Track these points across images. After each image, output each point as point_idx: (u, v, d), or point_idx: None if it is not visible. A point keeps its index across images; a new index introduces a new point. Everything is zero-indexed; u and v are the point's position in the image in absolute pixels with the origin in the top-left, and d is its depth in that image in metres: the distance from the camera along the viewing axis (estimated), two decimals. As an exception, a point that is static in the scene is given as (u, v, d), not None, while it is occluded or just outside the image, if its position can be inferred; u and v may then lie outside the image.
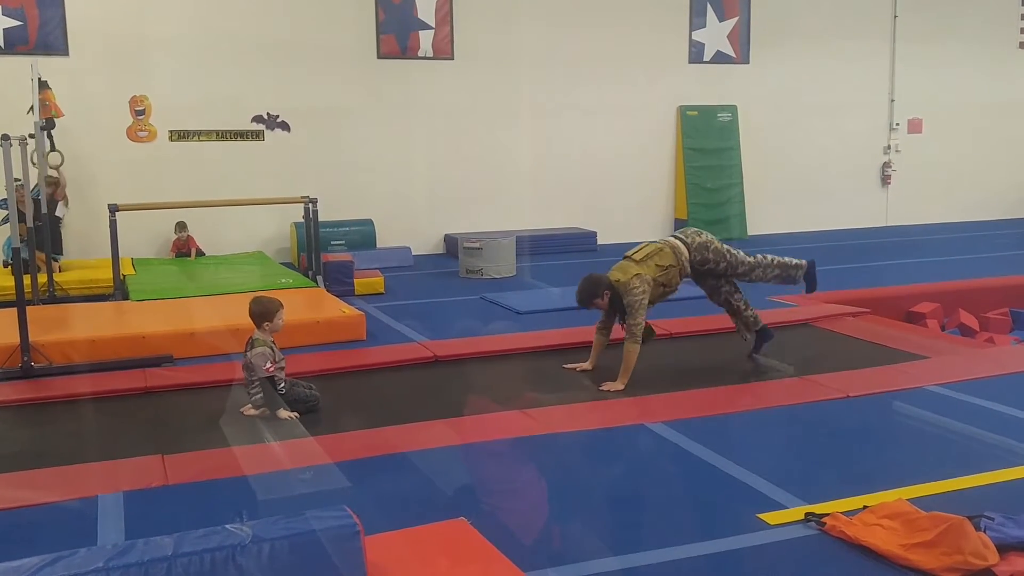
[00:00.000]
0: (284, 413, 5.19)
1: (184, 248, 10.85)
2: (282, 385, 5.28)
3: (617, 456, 4.72)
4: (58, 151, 9.24)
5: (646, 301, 5.92)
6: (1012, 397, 5.48)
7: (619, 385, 5.78)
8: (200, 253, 10.84)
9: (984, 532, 3.44)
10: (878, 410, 5.35)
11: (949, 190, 15.03)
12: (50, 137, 9.04)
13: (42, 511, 4.01)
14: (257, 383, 5.26)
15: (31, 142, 8.57)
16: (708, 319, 7.69)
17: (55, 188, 9.59)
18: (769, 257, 6.61)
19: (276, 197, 10.16)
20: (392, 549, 3.46)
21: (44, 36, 10.37)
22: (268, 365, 5.21)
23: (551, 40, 12.38)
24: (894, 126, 14.71)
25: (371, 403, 5.65)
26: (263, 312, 5.35)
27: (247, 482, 4.28)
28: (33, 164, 8.83)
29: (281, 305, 5.46)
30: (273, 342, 5.37)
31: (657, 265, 6.08)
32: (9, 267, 8.50)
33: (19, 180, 8.87)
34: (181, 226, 10.83)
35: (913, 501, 3.82)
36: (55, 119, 8.95)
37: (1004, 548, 3.40)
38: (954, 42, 14.60)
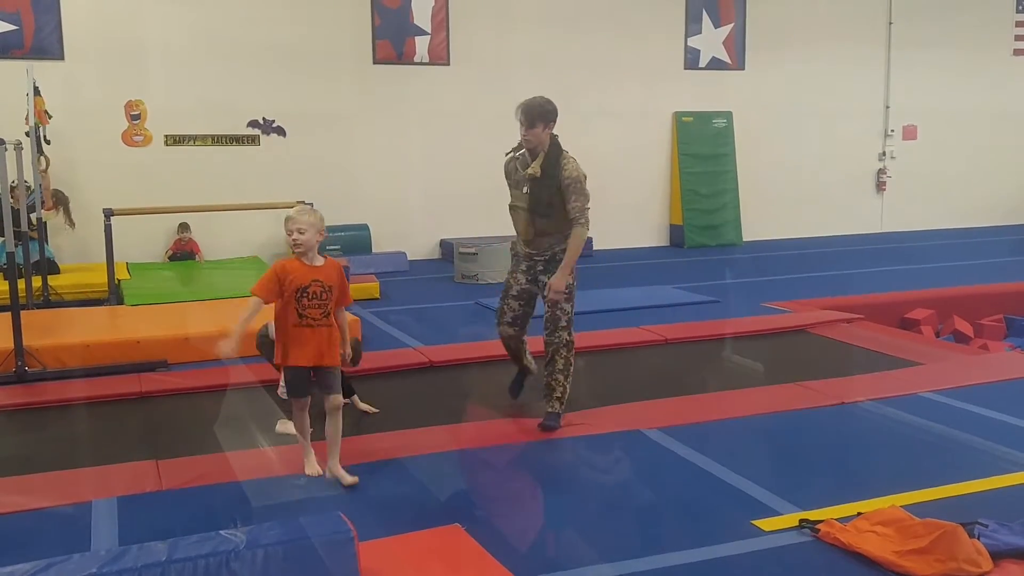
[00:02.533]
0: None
1: (186, 248, 10.85)
2: None
3: (612, 462, 4.72)
4: (44, 155, 9.22)
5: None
6: (1006, 404, 5.49)
7: (562, 283, 5.08)
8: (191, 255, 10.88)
9: (978, 539, 3.45)
10: (872, 416, 5.35)
11: (944, 197, 15.07)
12: (45, 142, 9.03)
13: (35, 516, 4.00)
14: None
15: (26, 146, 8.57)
16: (702, 325, 7.71)
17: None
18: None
19: (271, 202, 10.13)
20: (386, 555, 3.46)
21: (40, 40, 10.36)
22: None
23: (547, 46, 12.40)
24: (889, 133, 14.75)
25: (366, 408, 5.64)
26: None
27: (241, 488, 4.27)
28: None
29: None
30: None
31: None
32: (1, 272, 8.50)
33: (27, 182, 8.87)
34: (184, 227, 10.84)
35: (907, 508, 3.82)
36: (40, 126, 8.93)
37: (998, 555, 3.41)
38: (949, 49, 14.65)
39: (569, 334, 5.16)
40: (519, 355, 5.60)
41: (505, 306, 5.37)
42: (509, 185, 5.32)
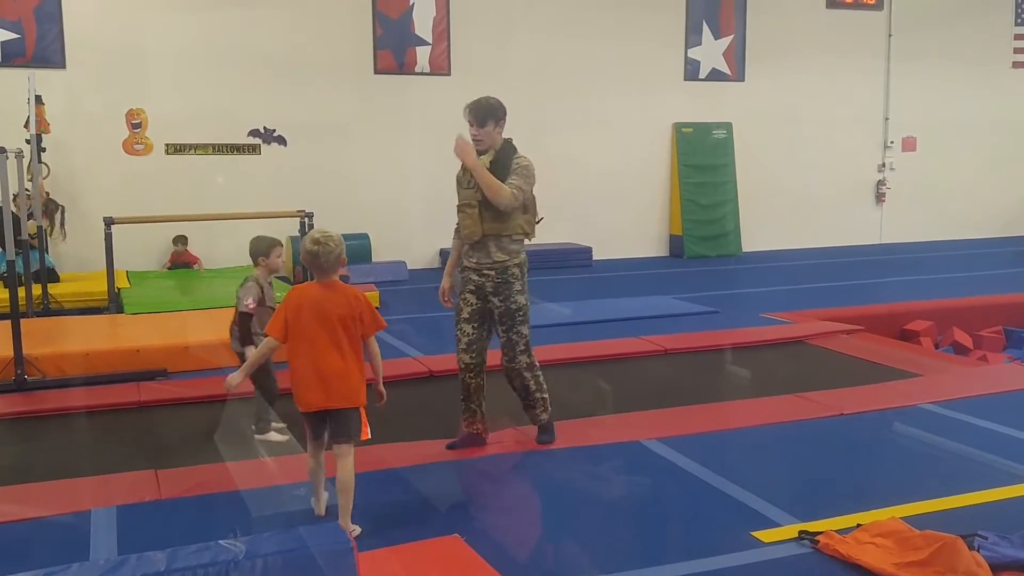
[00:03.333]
0: (250, 350, 4.81)
1: (182, 260, 10.86)
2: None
3: (611, 473, 4.71)
4: (44, 163, 9.24)
5: (532, 183, 4.90)
6: (1006, 415, 5.49)
7: (465, 153, 4.79)
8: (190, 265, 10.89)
9: (977, 551, 3.45)
10: (872, 428, 5.35)
11: (943, 208, 15.09)
12: (41, 149, 9.05)
13: (34, 525, 4.00)
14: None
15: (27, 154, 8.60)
16: (701, 336, 7.71)
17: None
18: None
19: (272, 211, 10.16)
20: (386, 566, 3.45)
21: (42, 49, 10.39)
22: (249, 301, 5.01)
23: (547, 57, 12.44)
24: (888, 144, 14.78)
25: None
26: (257, 248, 5.21)
27: (241, 497, 4.27)
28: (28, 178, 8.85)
29: (279, 243, 5.33)
30: (269, 282, 5.23)
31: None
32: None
33: (27, 190, 8.89)
34: (181, 239, 10.85)
35: (907, 519, 3.82)
36: (41, 134, 8.95)
37: (997, 567, 3.40)
38: (948, 61, 14.69)
39: (529, 356, 4.97)
40: (476, 398, 4.98)
41: (459, 331, 4.97)
42: (458, 190, 4.96)
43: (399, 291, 10.32)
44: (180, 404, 5.91)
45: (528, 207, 4.99)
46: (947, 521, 3.86)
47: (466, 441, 4.99)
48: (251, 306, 5.04)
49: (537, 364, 5.02)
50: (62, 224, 10.04)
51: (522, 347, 4.93)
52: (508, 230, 4.86)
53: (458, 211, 4.96)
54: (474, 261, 4.91)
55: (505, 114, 4.96)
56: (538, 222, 5.13)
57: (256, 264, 5.26)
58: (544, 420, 5.07)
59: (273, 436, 5.15)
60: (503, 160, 4.83)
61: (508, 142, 4.94)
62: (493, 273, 4.87)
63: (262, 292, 5.14)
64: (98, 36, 10.55)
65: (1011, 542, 3.55)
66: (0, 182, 6.58)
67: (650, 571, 3.56)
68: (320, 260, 3.94)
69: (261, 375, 4.95)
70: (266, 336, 4.14)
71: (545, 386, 5.05)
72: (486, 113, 4.86)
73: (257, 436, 5.17)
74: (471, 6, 12.10)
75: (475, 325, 4.96)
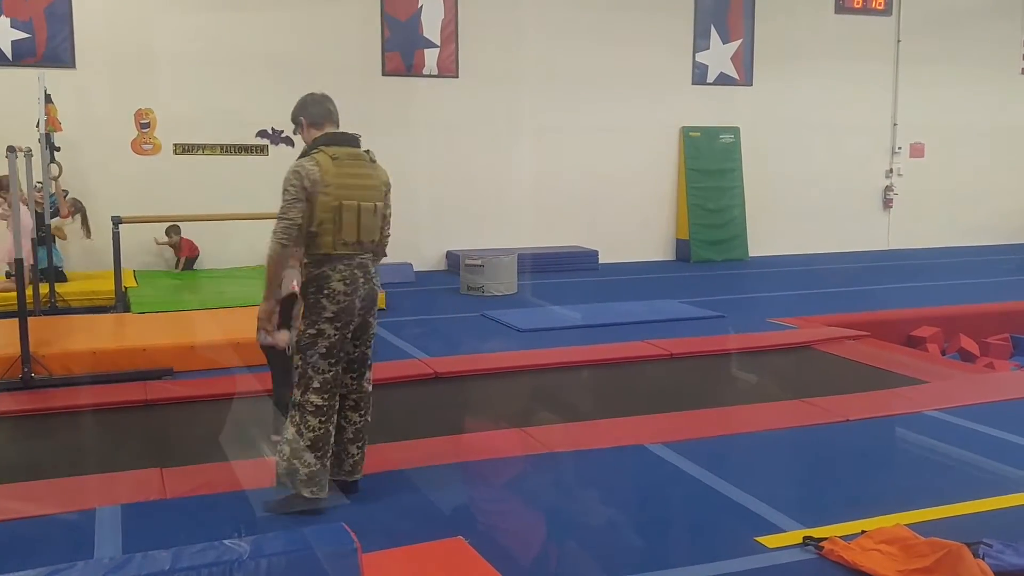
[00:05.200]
0: (283, 337, 4.57)
1: (184, 253, 10.86)
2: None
3: (615, 477, 4.71)
4: (57, 163, 9.27)
5: (297, 200, 4.09)
6: (1012, 423, 5.47)
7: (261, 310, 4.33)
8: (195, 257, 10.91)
9: (982, 559, 3.44)
10: (877, 434, 5.34)
11: (951, 214, 15.05)
12: (55, 149, 9.09)
13: (39, 523, 4.01)
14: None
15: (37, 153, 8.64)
16: (707, 340, 7.70)
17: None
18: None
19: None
20: (389, 567, 3.46)
21: (52, 49, 10.43)
22: (294, 283, 4.80)
23: (555, 60, 12.44)
24: (896, 150, 14.75)
25: (371, 419, 5.64)
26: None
27: (246, 497, 4.27)
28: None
29: None
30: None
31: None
32: (11, 277, 8.53)
33: (38, 185, 8.94)
34: (175, 230, 10.80)
35: (911, 526, 3.81)
36: (52, 133, 8.99)
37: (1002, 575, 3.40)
38: (957, 67, 14.66)
39: (303, 393, 4.13)
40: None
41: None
42: None
43: (405, 293, 10.33)
44: (186, 403, 5.92)
45: (318, 220, 4.12)
46: (952, 528, 3.86)
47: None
48: (295, 288, 5.08)
49: (308, 410, 4.11)
50: (84, 222, 10.06)
51: (296, 378, 4.21)
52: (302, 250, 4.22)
53: None
54: None
55: (305, 112, 4.44)
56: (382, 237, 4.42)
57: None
58: (278, 483, 4.16)
59: (281, 336, 4.92)
60: None
61: (313, 144, 4.37)
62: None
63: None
64: (108, 36, 10.59)
65: (1016, 550, 3.55)
66: (11, 180, 6.62)
67: (654, 575, 3.55)
68: None
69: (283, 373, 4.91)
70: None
71: (300, 448, 4.09)
72: (292, 115, 4.52)
73: (275, 437, 5.15)
74: (480, 9, 12.11)
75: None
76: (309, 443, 4.09)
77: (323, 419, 4.12)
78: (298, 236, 4.10)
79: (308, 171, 4.16)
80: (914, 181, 14.73)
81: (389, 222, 4.49)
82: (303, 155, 4.29)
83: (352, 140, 4.41)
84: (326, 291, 4.12)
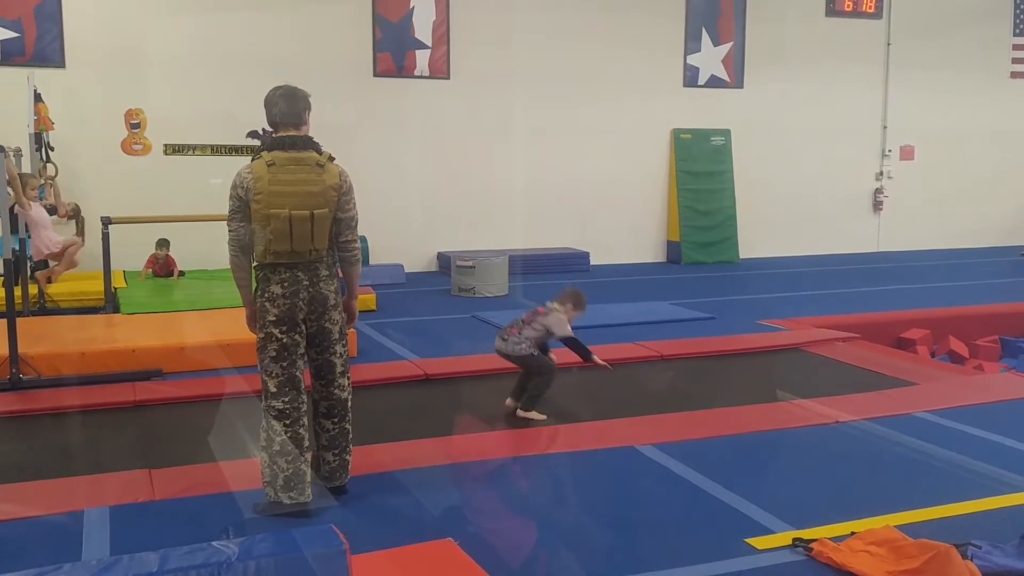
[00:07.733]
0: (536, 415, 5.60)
1: (163, 270, 10.37)
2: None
3: (606, 478, 4.72)
4: (52, 163, 9.24)
5: (236, 210, 4.30)
6: (1000, 425, 5.50)
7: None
8: (180, 273, 10.42)
9: (971, 560, 3.45)
10: (867, 436, 5.35)
11: (940, 217, 15.12)
12: (50, 148, 9.06)
13: (27, 525, 3.99)
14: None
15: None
16: (697, 342, 7.71)
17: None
18: None
19: (269, 212, 10.13)
20: (379, 569, 3.45)
21: (41, 48, 10.39)
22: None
23: (546, 61, 12.45)
24: (886, 153, 14.81)
25: (360, 421, 5.58)
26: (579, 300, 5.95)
27: (234, 498, 4.26)
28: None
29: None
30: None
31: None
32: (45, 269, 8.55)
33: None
34: (163, 243, 10.35)
35: (901, 528, 3.82)
36: (44, 132, 8.96)
37: (990, 577, 3.41)
38: (947, 71, 14.73)
39: (264, 399, 4.15)
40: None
41: None
42: None
43: (396, 294, 10.31)
44: (175, 404, 5.90)
45: (251, 228, 4.26)
46: (941, 530, 3.87)
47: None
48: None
49: (271, 416, 4.11)
50: (80, 230, 9.92)
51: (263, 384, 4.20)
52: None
53: None
54: None
55: (267, 114, 4.37)
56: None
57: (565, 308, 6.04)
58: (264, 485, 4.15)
59: (535, 415, 5.58)
60: None
61: (263, 145, 4.36)
62: None
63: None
64: (98, 36, 10.55)
65: (1004, 551, 3.56)
66: (0, 180, 6.58)
67: (643, 577, 3.56)
68: None
69: (540, 361, 5.65)
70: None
71: (272, 447, 4.09)
72: (302, 107, 4.40)
73: (520, 412, 5.61)
74: (471, 10, 12.12)
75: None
76: (279, 448, 4.09)
77: (288, 422, 4.11)
78: (248, 244, 4.19)
79: (243, 179, 4.21)
80: (904, 184, 14.79)
81: (350, 225, 4.29)
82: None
83: (299, 144, 4.25)
84: (267, 295, 4.18)
